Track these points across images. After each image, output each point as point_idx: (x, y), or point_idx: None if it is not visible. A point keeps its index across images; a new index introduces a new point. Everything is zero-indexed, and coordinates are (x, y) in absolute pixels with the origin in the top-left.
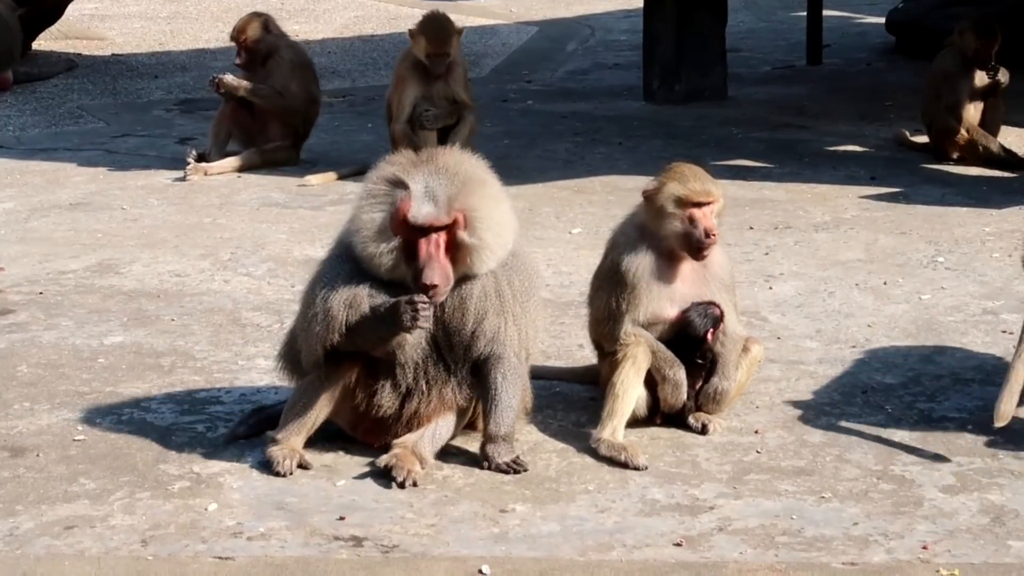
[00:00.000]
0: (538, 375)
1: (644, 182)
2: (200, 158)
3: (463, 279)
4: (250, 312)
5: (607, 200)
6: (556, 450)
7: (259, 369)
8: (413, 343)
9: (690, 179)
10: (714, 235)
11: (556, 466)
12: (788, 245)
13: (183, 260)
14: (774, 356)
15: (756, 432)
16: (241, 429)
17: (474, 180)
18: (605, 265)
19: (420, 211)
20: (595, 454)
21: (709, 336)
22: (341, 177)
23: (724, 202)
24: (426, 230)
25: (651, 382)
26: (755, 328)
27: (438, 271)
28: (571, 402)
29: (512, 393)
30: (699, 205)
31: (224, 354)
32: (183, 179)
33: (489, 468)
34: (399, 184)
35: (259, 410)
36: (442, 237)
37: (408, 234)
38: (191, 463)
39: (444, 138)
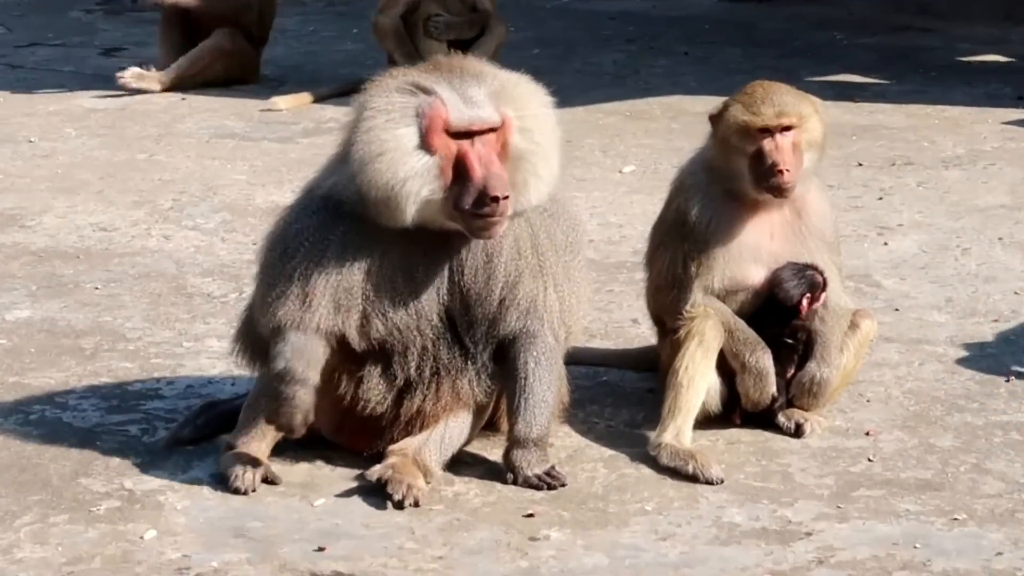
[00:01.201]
0: (580, 359)
1: (717, 102)
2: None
3: None
4: (198, 278)
5: (669, 128)
6: (603, 458)
7: (210, 352)
8: (426, 314)
9: (760, 99)
10: (783, 171)
11: (603, 479)
12: (909, 187)
13: (110, 209)
14: (890, 333)
15: (867, 434)
16: (186, 431)
17: (512, 78)
18: (668, 215)
19: (464, 112)
20: (655, 463)
21: (804, 306)
22: (318, 99)
23: (821, 127)
24: (473, 134)
25: (727, 368)
26: (865, 297)
27: (502, 179)
28: (623, 395)
29: (547, 383)
30: (768, 132)
31: (165, 333)
32: (135, 91)
33: (515, 482)
34: (421, 90)
35: (210, 407)
36: (492, 143)
37: (449, 146)
38: (122, 477)
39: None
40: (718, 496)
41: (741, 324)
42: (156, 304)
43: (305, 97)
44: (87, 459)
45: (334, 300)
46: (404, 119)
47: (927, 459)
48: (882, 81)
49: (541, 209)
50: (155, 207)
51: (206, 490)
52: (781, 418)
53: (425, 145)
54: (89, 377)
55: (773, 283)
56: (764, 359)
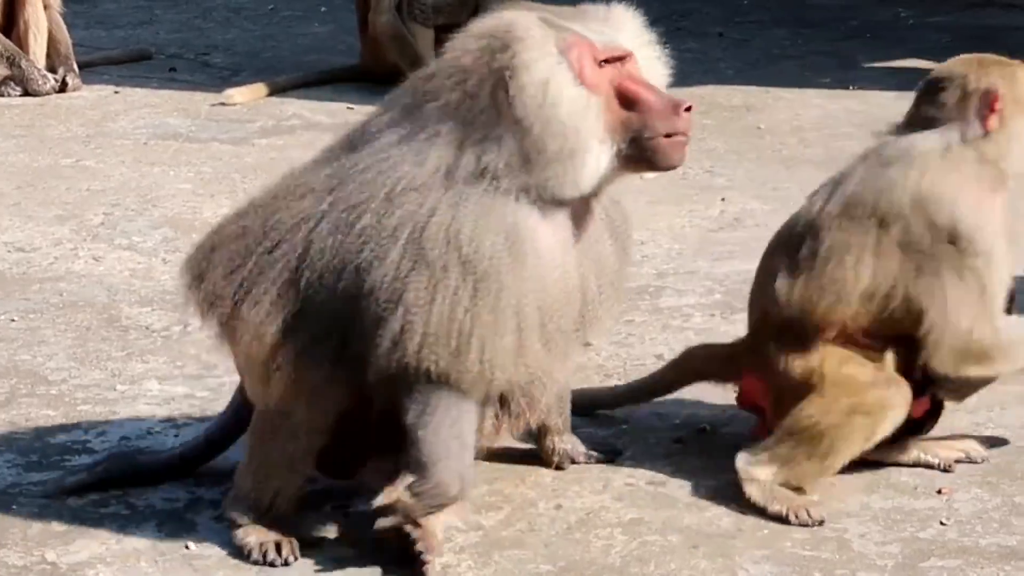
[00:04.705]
0: (588, 404)
1: (758, 94)
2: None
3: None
4: (135, 308)
5: (701, 125)
6: (621, 523)
7: (149, 397)
8: (563, 350)
9: None
10: None
11: (622, 548)
12: None
13: (28, 225)
14: None
15: (939, 492)
16: (84, 476)
17: (611, 5)
18: (914, 236)
19: (602, 38)
20: (684, 529)
21: None
22: (274, 91)
23: None
24: (620, 60)
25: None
26: None
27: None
28: (645, 447)
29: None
30: None
31: (94, 374)
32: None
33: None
34: (550, 25)
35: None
36: (636, 68)
37: (605, 78)
38: (43, 547)
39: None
40: (760, 568)
41: None
42: (84, 339)
43: (261, 89)
44: (1, 526)
45: (532, 334)
46: (546, 61)
47: (1012, 522)
48: None
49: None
50: (83, 222)
51: (143, 562)
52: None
53: (585, 80)
54: (3, 427)
55: None
56: None
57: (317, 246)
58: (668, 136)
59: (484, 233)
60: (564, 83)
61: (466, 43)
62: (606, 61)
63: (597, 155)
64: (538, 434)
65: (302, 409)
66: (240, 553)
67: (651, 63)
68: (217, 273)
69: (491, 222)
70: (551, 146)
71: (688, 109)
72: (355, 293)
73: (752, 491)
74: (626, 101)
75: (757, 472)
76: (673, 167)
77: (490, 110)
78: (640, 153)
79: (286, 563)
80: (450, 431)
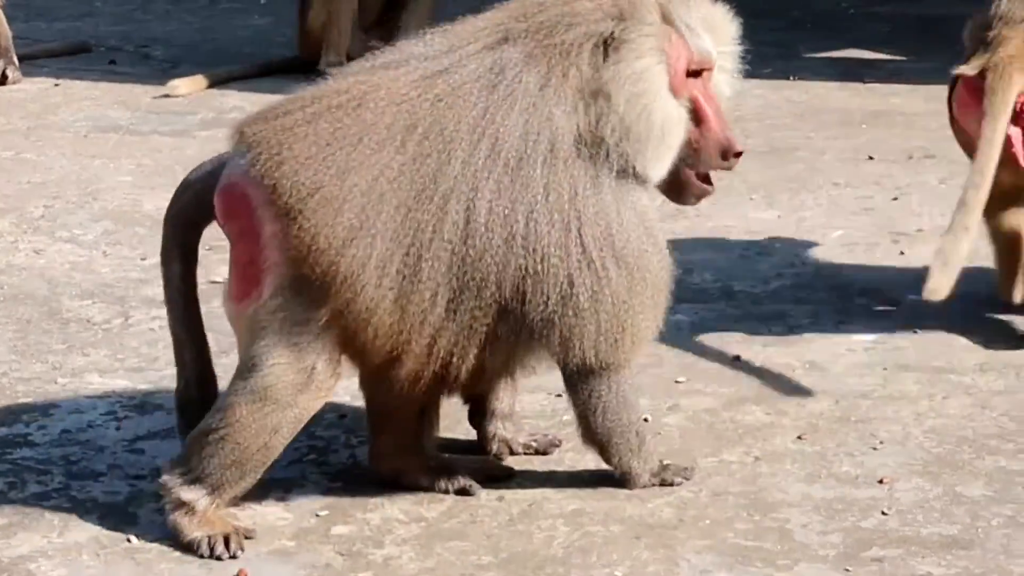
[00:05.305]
0: None
1: None
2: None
3: None
4: (75, 300)
5: None
6: (564, 514)
7: (90, 390)
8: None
9: None
10: None
11: (564, 539)
12: (929, 185)
13: None
14: (908, 360)
15: (880, 482)
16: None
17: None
18: None
19: (698, 44)
20: (627, 520)
21: None
22: (214, 83)
23: None
24: (702, 73)
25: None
26: (878, 317)
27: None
28: None
29: None
30: None
31: (35, 367)
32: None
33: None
34: (662, 15)
35: (186, 397)
36: (711, 84)
37: (689, 90)
38: None
39: (386, 20)
40: (701, 559)
41: None
42: (24, 332)
43: (201, 81)
44: None
45: None
46: (655, 53)
47: (953, 511)
48: (897, 58)
49: None
50: (23, 215)
51: (85, 556)
52: None
53: (673, 88)
54: None
55: None
56: None
57: (482, 210)
58: (706, 175)
59: (628, 224)
60: (657, 81)
61: None
62: (693, 73)
63: (670, 159)
64: (482, 417)
65: (306, 397)
66: (188, 547)
67: (724, 76)
68: (374, 236)
69: (627, 210)
70: (640, 128)
71: (738, 155)
72: (520, 275)
73: None
74: (695, 118)
75: None
76: (690, 204)
77: (593, 67)
78: (686, 175)
79: (233, 556)
80: (612, 401)
